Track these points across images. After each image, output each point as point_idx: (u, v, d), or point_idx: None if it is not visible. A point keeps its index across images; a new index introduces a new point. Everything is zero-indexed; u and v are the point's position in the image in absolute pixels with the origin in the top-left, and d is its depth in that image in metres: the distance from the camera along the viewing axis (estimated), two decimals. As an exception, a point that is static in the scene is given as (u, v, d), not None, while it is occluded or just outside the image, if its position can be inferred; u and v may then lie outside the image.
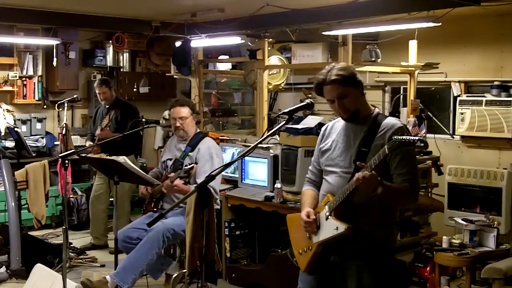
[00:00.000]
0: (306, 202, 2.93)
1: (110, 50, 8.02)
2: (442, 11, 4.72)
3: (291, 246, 3.06)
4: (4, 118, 6.95)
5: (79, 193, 7.16)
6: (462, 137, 6.17)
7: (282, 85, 6.76)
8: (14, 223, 5.09)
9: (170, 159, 4.65)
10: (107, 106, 6.11)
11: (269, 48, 6.16)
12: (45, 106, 7.49)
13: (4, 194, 5.24)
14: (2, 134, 6.90)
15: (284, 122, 2.88)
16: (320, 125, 4.40)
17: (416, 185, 2.73)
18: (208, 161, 4.45)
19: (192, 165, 4.25)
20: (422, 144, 2.39)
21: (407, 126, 3.18)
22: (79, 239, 6.40)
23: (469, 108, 5.98)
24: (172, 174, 4.36)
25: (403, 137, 2.42)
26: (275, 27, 5.96)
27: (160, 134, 8.36)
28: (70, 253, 5.69)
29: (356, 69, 2.87)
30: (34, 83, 7.36)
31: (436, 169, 5.10)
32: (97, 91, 6.12)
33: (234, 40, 6.25)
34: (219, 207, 4.88)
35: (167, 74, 7.60)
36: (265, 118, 6.10)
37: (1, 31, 6.61)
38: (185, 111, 4.59)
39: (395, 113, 6.70)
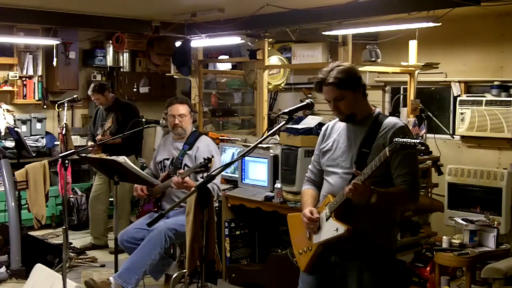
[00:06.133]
0: (307, 202, 2.93)
1: (110, 50, 8.02)
2: (442, 11, 4.72)
3: (291, 246, 3.07)
4: (4, 118, 6.95)
5: (79, 193, 7.16)
6: (462, 137, 6.17)
7: (282, 85, 6.76)
8: (14, 223, 5.09)
9: (167, 159, 4.64)
10: (106, 108, 6.12)
11: (269, 48, 6.15)
12: (45, 106, 7.49)
13: (4, 194, 5.24)
14: (2, 134, 6.90)
15: (284, 122, 2.89)
16: (320, 125, 4.41)
17: (416, 185, 2.73)
18: None
19: (209, 157, 4.03)
20: (423, 147, 2.40)
21: (408, 126, 3.18)
22: (79, 239, 6.40)
23: (469, 108, 5.98)
24: (181, 170, 4.34)
25: (404, 139, 2.41)
26: (275, 27, 5.96)
27: (160, 134, 8.36)
28: (70, 253, 5.69)
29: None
30: (34, 83, 7.36)
31: (436, 169, 5.09)
32: (91, 98, 6.16)
33: (234, 40, 6.25)
34: (217, 204, 4.88)
35: (167, 74, 7.60)
36: (265, 118, 6.10)
37: (1, 31, 6.60)
38: (184, 108, 4.58)
39: (395, 113, 6.70)
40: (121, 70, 8.16)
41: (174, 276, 4.52)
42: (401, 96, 6.81)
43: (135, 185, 4.55)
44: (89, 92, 6.12)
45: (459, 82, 6.24)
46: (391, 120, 2.77)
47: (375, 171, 2.54)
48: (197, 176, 4.33)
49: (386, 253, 2.82)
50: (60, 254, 4.94)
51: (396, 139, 2.44)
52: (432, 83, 6.55)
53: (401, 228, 4.73)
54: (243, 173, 5.29)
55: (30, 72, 7.34)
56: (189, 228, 3.75)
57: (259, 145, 3.86)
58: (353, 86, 2.75)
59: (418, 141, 2.39)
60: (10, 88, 7.18)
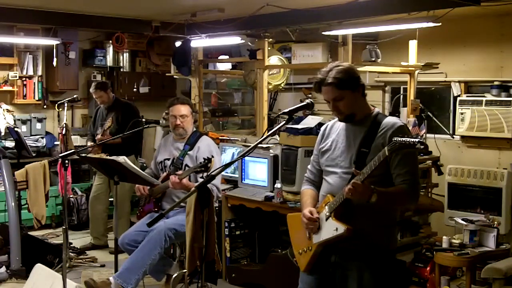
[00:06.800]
0: (307, 202, 2.93)
1: (110, 50, 8.02)
2: (442, 11, 4.72)
3: (291, 246, 3.06)
4: (4, 118, 6.95)
5: (79, 193, 7.16)
6: (462, 137, 6.17)
7: (282, 85, 6.76)
8: (14, 223, 5.09)
9: (168, 159, 4.64)
10: (106, 108, 6.12)
11: (269, 48, 6.15)
12: (45, 106, 7.50)
13: (4, 194, 5.24)
14: (2, 134, 6.90)
15: (284, 122, 2.89)
16: (320, 125, 4.40)
17: (416, 185, 2.73)
18: None
19: (209, 157, 3.97)
20: (422, 147, 2.39)
21: (407, 126, 3.18)
22: (79, 239, 6.40)
23: (469, 108, 5.98)
24: (180, 171, 4.34)
25: (403, 139, 2.41)
26: (275, 27, 5.96)
27: (160, 134, 8.35)
28: (70, 253, 5.69)
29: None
30: (34, 83, 7.36)
31: (436, 169, 5.10)
32: (93, 96, 6.15)
33: (234, 40, 6.25)
34: (217, 205, 4.88)
35: (167, 74, 7.60)
36: (265, 118, 6.10)
37: (1, 31, 6.60)
38: (185, 109, 4.58)
39: (395, 113, 6.70)
40: (121, 70, 8.16)
41: (174, 276, 4.52)
42: (401, 96, 6.81)
43: (137, 185, 4.55)
44: (91, 90, 6.12)
45: (459, 82, 6.24)
46: (390, 119, 2.77)
47: (375, 171, 2.54)
48: (197, 176, 4.33)
49: (386, 253, 2.81)
50: (60, 254, 4.94)
51: (395, 139, 2.44)
52: (432, 83, 6.55)
53: (401, 228, 4.72)
54: (243, 173, 5.29)
55: (30, 72, 7.34)
56: (189, 228, 3.75)
57: (259, 145, 3.85)
58: (352, 86, 2.75)
59: (417, 140, 2.39)
60: (10, 88, 7.18)
